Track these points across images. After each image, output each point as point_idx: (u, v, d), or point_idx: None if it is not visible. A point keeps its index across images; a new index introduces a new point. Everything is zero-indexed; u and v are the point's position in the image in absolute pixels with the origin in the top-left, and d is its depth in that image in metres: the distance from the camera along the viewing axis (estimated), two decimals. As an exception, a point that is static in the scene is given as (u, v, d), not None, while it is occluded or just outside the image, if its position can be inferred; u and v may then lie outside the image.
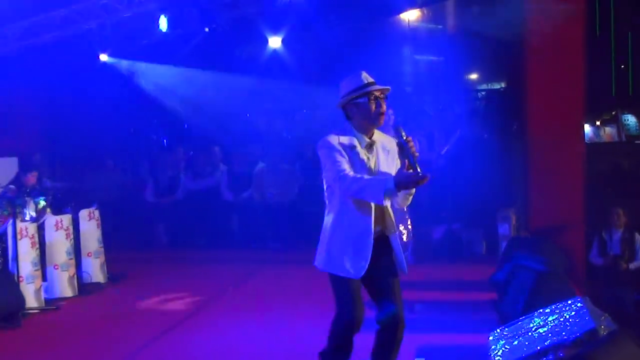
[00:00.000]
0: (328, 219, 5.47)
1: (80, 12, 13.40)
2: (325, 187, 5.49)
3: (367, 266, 5.26)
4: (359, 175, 5.16)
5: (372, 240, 5.29)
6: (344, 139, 5.27)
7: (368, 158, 5.33)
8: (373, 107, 5.32)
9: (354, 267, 5.25)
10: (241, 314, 9.64)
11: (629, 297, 10.57)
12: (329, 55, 17.74)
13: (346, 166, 5.18)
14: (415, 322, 8.65)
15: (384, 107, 5.40)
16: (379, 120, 5.40)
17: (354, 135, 5.34)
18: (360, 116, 5.38)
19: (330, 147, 5.21)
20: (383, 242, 5.42)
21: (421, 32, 19.35)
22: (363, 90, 5.35)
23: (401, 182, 4.95)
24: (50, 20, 13.40)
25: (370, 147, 5.33)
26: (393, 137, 5.46)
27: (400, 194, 5.25)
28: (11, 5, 13.20)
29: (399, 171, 5.13)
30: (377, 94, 5.36)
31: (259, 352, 7.92)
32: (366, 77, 5.42)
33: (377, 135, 5.47)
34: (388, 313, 5.37)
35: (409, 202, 5.54)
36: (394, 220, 5.52)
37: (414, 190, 5.33)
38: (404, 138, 5.16)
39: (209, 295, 10.64)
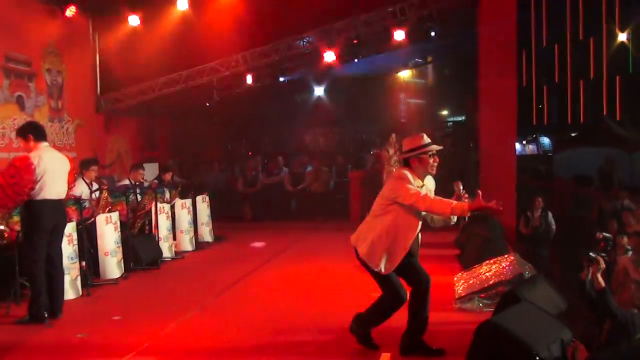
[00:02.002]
0: (378, 225, 4.95)
1: (197, 71, 13.49)
2: (385, 203, 4.97)
3: (394, 268, 4.91)
4: (436, 197, 4.90)
5: (405, 255, 4.93)
6: (411, 178, 4.88)
7: None
8: (431, 161, 4.98)
9: (386, 267, 4.90)
10: (299, 261, 9.72)
11: (543, 253, 10.52)
12: (353, 98, 17.78)
13: (420, 192, 4.82)
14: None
15: (437, 161, 5.04)
16: (434, 171, 5.06)
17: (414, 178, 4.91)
18: (420, 167, 4.96)
19: (408, 179, 4.85)
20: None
21: (411, 85, 19.32)
22: (425, 148, 4.95)
23: (476, 209, 4.67)
24: (179, 77, 13.50)
25: (421, 187, 4.93)
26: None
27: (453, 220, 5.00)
28: (155, 65, 13.32)
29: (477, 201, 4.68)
30: (434, 151, 5.01)
31: (309, 284, 7.98)
32: (427, 138, 5.03)
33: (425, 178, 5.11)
34: (422, 277, 5.08)
35: (445, 225, 5.27)
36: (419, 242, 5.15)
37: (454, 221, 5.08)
38: (463, 196, 4.95)
39: (277, 249, 10.64)
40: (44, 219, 6.36)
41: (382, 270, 4.92)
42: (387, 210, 4.96)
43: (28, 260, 6.44)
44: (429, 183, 5.14)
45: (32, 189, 6.22)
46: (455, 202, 4.78)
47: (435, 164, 5.04)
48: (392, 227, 4.91)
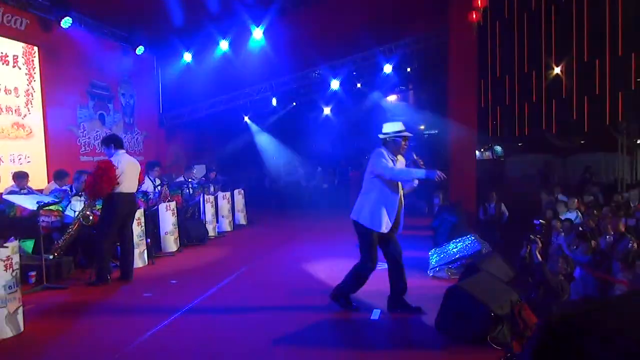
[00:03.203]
0: (370, 196, 4.86)
1: (235, 96, 13.51)
2: (370, 177, 4.89)
3: (391, 227, 4.88)
4: (401, 167, 4.89)
5: (397, 213, 4.90)
6: (387, 155, 4.85)
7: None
8: (403, 144, 4.94)
9: (387, 226, 4.84)
10: (311, 238, 9.66)
11: (496, 235, 10.46)
12: (354, 116, 17.70)
13: (392, 165, 4.81)
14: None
15: (407, 144, 4.98)
16: (404, 152, 4.99)
17: (388, 155, 4.88)
18: (394, 147, 4.89)
19: (383, 155, 4.81)
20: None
21: (396, 106, 19.22)
22: (401, 134, 4.90)
23: (429, 176, 4.62)
24: (222, 99, 13.52)
25: (394, 162, 4.88)
26: (407, 158, 5.16)
27: (415, 183, 5.01)
28: (203, 91, 13.37)
29: (430, 170, 4.67)
30: (407, 137, 4.95)
31: (319, 256, 7.88)
32: (402, 125, 4.95)
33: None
34: (397, 251, 5.06)
35: (411, 190, 5.24)
36: (403, 203, 5.04)
37: (417, 184, 5.04)
38: (419, 162, 4.91)
39: (297, 230, 10.66)
40: (119, 207, 6.41)
41: (384, 229, 4.85)
42: (373, 186, 4.90)
43: (100, 237, 6.45)
44: (401, 160, 5.07)
45: (116, 184, 6.30)
46: (414, 169, 4.80)
47: (406, 147, 5.00)
48: (381, 199, 4.86)
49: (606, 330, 2.32)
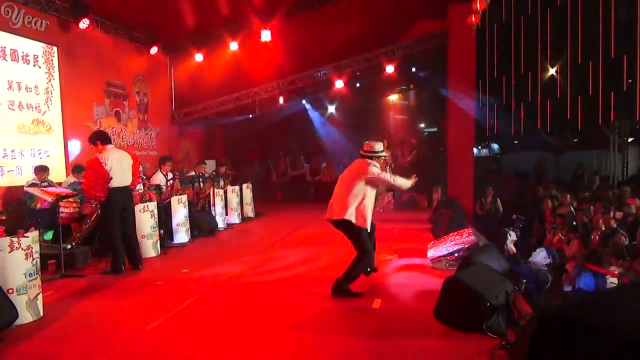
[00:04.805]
0: (358, 199, 5.13)
1: (244, 94, 13.47)
2: (358, 181, 5.15)
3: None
4: (396, 177, 5.32)
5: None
6: (378, 166, 5.26)
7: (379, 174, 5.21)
8: (382, 161, 5.39)
9: (369, 224, 5.15)
10: (314, 230, 9.60)
11: (493, 228, 10.42)
12: (356, 114, 17.62)
13: (386, 174, 5.27)
14: (394, 237, 8.64)
15: (382, 162, 5.41)
16: (381, 167, 5.37)
17: None
18: (379, 163, 5.31)
19: (377, 167, 5.22)
20: None
21: (397, 104, 19.12)
22: (382, 154, 5.32)
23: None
24: (231, 98, 13.49)
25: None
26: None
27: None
28: (213, 89, 13.33)
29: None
30: (384, 157, 5.38)
31: (321, 246, 7.86)
32: (382, 146, 5.35)
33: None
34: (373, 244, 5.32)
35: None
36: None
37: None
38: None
39: (300, 223, 10.62)
40: (114, 201, 6.26)
41: (368, 227, 5.16)
42: (360, 189, 5.15)
43: (108, 232, 6.43)
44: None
45: (109, 180, 6.13)
46: (406, 181, 5.39)
47: (382, 163, 5.40)
48: (369, 201, 5.16)
49: (597, 324, 2.31)
